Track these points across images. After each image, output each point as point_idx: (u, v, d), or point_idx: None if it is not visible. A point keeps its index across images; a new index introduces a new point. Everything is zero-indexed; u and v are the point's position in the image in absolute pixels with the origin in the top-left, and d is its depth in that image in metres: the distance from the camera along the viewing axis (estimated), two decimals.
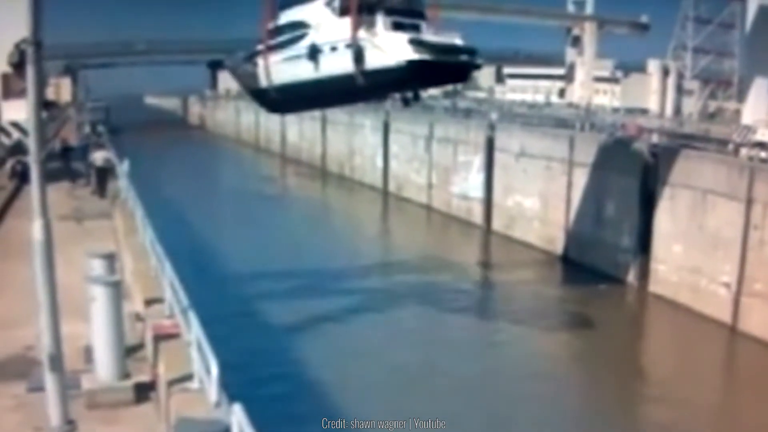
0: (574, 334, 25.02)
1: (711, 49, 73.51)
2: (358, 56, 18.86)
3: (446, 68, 19.24)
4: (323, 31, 20.25)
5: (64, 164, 26.70)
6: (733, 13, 66.64)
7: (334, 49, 19.75)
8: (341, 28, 19.58)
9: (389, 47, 18.55)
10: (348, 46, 19.15)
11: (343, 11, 19.75)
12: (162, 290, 11.23)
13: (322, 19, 20.40)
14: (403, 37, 18.65)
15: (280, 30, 21.82)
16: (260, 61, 22.52)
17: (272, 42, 21.85)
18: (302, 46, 20.76)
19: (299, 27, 21.08)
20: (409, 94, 23.28)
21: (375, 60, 18.72)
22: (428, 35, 19.39)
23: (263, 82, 22.58)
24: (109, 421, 8.61)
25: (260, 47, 22.65)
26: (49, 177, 24.42)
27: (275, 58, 21.81)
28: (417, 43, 18.47)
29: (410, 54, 18.22)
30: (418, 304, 26.16)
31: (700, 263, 25.35)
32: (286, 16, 21.69)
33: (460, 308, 26.38)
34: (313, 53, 20.25)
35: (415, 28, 19.59)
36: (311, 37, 20.56)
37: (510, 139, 37.64)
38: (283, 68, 21.59)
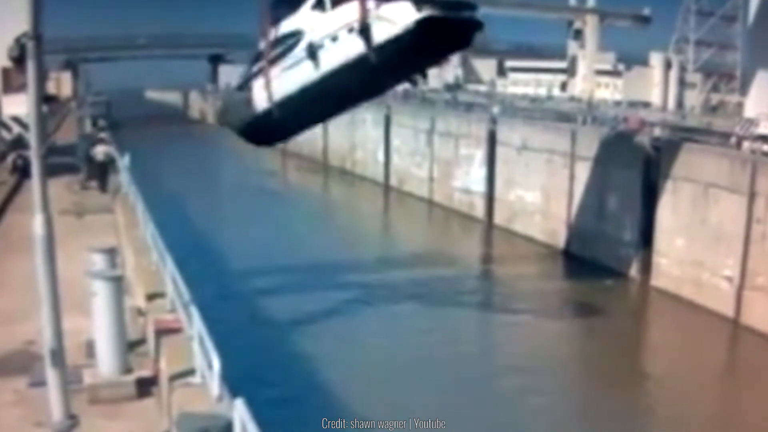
0: (576, 329, 25.04)
1: (713, 42, 73.18)
2: (365, 31, 18.09)
3: (452, 26, 18.47)
4: (318, 30, 19.46)
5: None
6: (736, 5, 66.22)
7: (335, 39, 19.12)
8: (336, 18, 18.98)
9: (394, 14, 17.91)
10: (350, 30, 18.60)
11: (335, 1, 19.10)
12: (163, 285, 11.22)
13: (314, 20, 19.55)
14: (405, 3, 18.06)
15: (274, 46, 20.58)
16: (254, 83, 21.15)
17: (268, 58, 20.55)
18: (300, 49, 19.74)
19: (292, 36, 20.07)
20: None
21: (382, 32, 18.05)
22: None
23: (262, 104, 20.85)
24: (111, 416, 8.61)
25: (254, 69, 21.55)
26: (65, 169, 24.26)
27: (274, 73, 20.38)
28: (420, 2, 17.89)
29: (415, 14, 17.59)
30: (420, 298, 26.14)
31: (703, 257, 25.30)
32: (277, 32, 20.50)
33: (462, 303, 26.36)
34: (312, 52, 19.40)
35: None
36: (307, 39, 19.57)
37: (512, 132, 37.56)
38: (284, 79, 20.13)
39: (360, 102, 22.97)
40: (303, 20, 19.88)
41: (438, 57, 21.57)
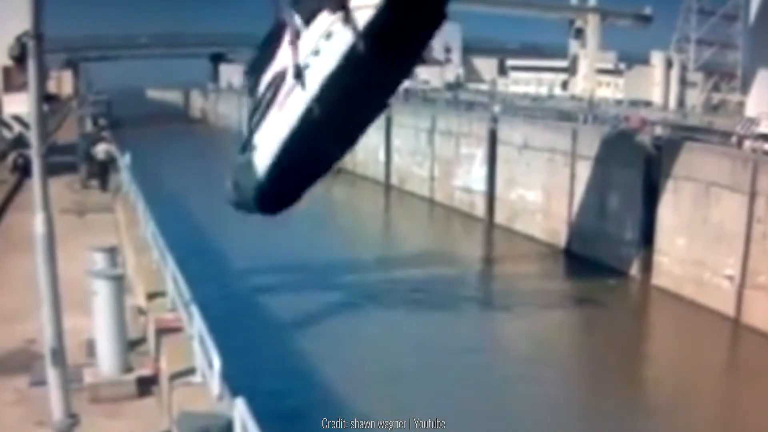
0: (577, 328, 25.04)
1: (714, 41, 73.20)
2: (346, 22, 17.41)
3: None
4: (300, 55, 18.48)
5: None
6: (737, 4, 66.26)
7: (317, 53, 18.17)
8: (311, 35, 18.10)
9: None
10: (328, 36, 17.88)
11: (309, 19, 18.29)
12: (164, 284, 11.23)
13: (292, 55, 18.64)
14: None
15: (263, 95, 18.76)
16: (256, 137, 18.99)
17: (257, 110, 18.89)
18: (289, 77, 17.76)
19: (277, 77, 18.04)
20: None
21: (359, 20, 17.47)
22: None
23: (268, 157, 18.53)
24: (112, 415, 8.62)
25: (253, 122, 19.23)
26: (66, 168, 23.88)
27: (271, 118, 18.45)
28: None
29: None
30: (421, 297, 26.13)
31: (704, 256, 25.28)
32: (262, 83, 18.79)
33: (463, 302, 26.35)
34: (300, 73, 18.26)
35: None
36: (291, 66, 17.56)
37: (513, 131, 37.54)
38: (283, 116, 17.99)
39: (369, 116, 21.21)
40: (284, 58, 18.80)
41: (421, 37, 20.16)
